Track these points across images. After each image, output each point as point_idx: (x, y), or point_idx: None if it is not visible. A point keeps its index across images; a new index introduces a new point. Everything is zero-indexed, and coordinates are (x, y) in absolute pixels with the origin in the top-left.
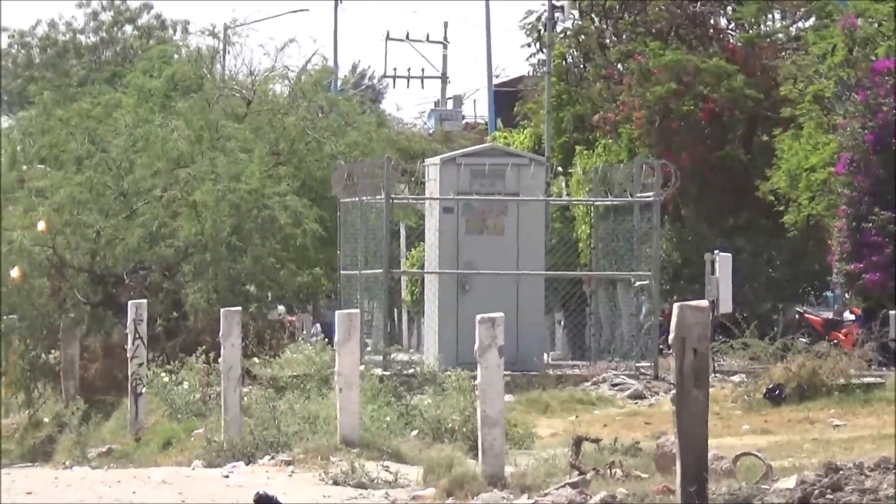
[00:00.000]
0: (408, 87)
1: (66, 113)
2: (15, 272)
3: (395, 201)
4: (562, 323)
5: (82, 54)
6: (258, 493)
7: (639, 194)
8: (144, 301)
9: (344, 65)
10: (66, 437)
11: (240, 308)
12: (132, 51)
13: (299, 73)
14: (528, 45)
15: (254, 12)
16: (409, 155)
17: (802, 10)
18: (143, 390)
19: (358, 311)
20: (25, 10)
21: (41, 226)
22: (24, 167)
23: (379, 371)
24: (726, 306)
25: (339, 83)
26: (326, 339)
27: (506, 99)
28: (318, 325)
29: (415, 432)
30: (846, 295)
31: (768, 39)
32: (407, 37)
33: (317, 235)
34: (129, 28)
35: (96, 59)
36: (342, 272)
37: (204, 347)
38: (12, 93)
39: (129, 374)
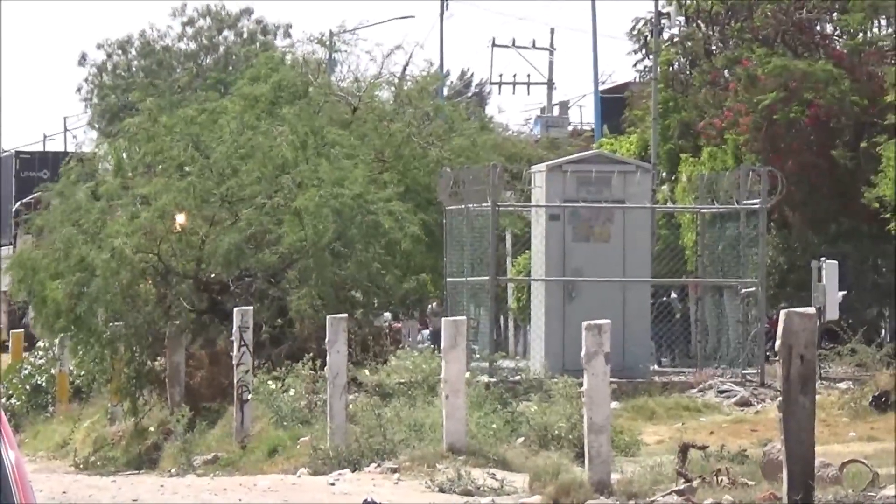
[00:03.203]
0: (513, 93)
1: (171, 120)
2: (181, 219)
3: (501, 208)
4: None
5: (181, 61)
6: (366, 500)
7: (745, 201)
8: (250, 308)
9: (452, 71)
10: (172, 444)
11: (346, 315)
12: (234, 57)
13: (405, 79)
14: (635, 52)
15: (360, 18)
16: (515, 160)
17: None
18: (249, 397)
19: (464, 318)
20: (119, 20)
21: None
22: (129, 174)
23: (485, 378)
24: (832, 313)
25: (445, 89)
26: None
27: (612, 105)
28: (423, 332)
29: (521, 439)
30: None
31: (873, 46)
32: (513, 43)
33: (418, 240)
34: (229, 34)
35: (197, 66)
36: (448, 279)
37: (310, 355)
38: (111, 106)
39: (235, 381)
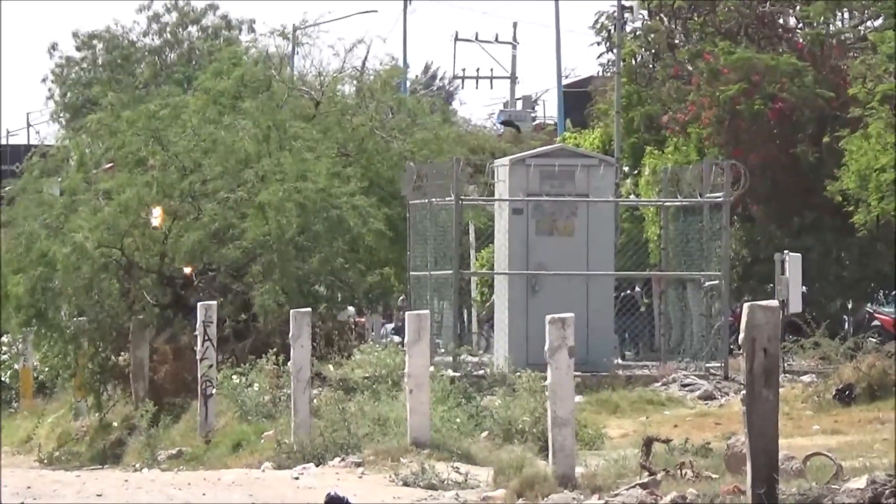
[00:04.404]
0: (477, 87)
1: (134, 115)
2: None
3: (464, 202)
4: None
5: (145, 56)
6: (329, 494)
7: (708, 194)
8: (214, 303)
9: (415, 66)
10: (136, 439)
11: (309, 309)
12: (198, 52)
13: (367, 73)
14: (598, 45)
15: (323, 13)
16: (478, 154)
17: (870, 9)
18: (213, 392)
19: (428, 312)
20: (87, 15)
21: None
22: (94, 171)
23: (449, 372)
24: (796, 306)
25: (408, 84)
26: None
27: (575, 99)
28: (387, 326)
29: (485, 433)
30: None
31: (835, 39)
32: (476, 37)
33: (381, 235)
34: (193, 29)
35: (161, 62)
36: (412, 273)
37: (274, 349)
38: (73, 102)
39: (199, 375)
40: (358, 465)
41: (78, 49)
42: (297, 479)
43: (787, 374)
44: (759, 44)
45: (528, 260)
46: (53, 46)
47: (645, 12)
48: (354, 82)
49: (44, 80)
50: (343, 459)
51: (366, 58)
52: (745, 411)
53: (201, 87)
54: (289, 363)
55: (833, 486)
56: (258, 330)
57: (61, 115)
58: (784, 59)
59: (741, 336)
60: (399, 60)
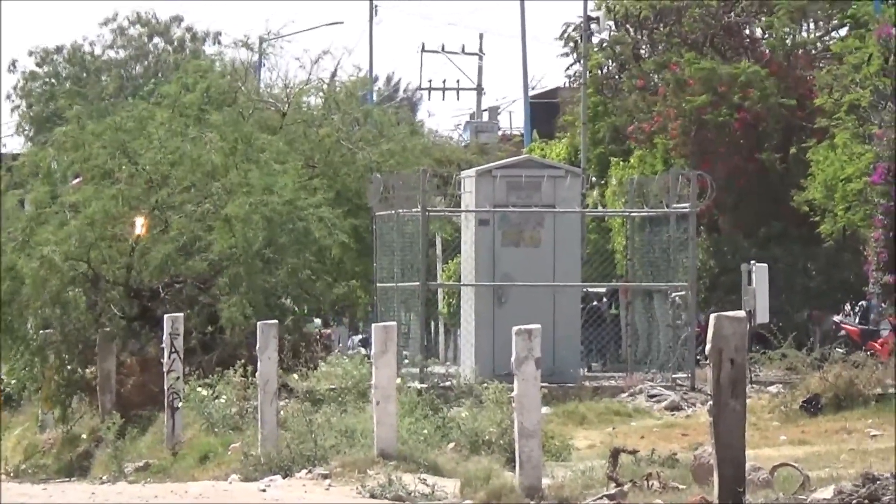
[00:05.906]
0: (443, 98)
1: (99, 127)
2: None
3: (431, 213)
4: None
5: (110, 69)
6: None
7: (675, 205)
8: (181, 315)
9: (382, 77)
10: (103, 451)
11: (276, 321)
12: (164, 64)
13: (333, 84)
14: (565, 56)
15: (288, 24)
16: (445, 165)
17: (834, 21)
18: (180, 404)
19: (395, 323)
20: (52, 30)
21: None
22: (59, 185)
23: (416, 384)
24: (763, 317)
25: (374, 95)
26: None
27: (542, 110)
28: (353, 337)
29: (452, 445)
30: (882, 305)
31: (801, 50)
32: (442, 48)
33: (347, 246)
34: (159, 41)
35: (127, 74)
36: (379, 285)
37: (241, 361)
38: (37, 115)
39: (166, 388)
40: (325, 476)
41: (38, 65)
42: (263, 491)
43: (753, 385)
44: (724, 54)
45: (494, 271)
46: (13, 64)
47: (611, 23)
48: (321, 94)
49: (8, 97)
50: (310, 471)
51: (335, 71)
52: (712, 422)
53: (167, 95)
54: (256, 375)
55: (800, 497)
56: (225, 342)
57: (26, 129)
58: (744, 66)
59: (708, 346)
60: (364, 71)
